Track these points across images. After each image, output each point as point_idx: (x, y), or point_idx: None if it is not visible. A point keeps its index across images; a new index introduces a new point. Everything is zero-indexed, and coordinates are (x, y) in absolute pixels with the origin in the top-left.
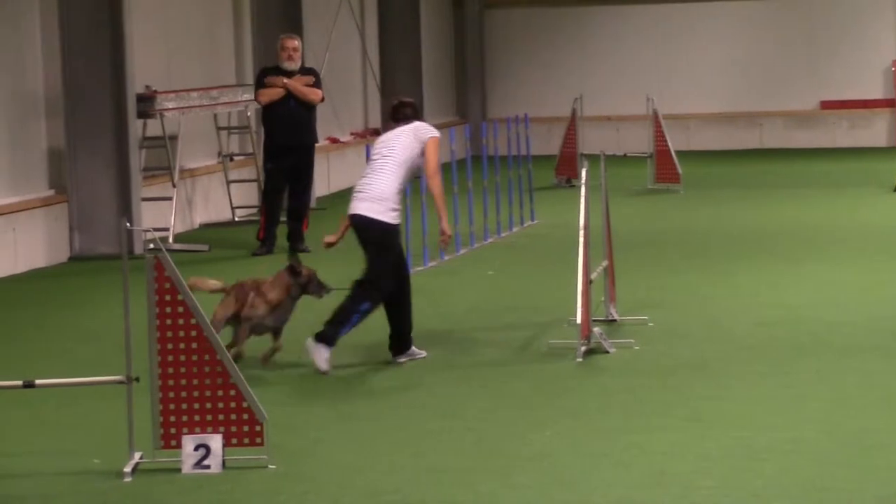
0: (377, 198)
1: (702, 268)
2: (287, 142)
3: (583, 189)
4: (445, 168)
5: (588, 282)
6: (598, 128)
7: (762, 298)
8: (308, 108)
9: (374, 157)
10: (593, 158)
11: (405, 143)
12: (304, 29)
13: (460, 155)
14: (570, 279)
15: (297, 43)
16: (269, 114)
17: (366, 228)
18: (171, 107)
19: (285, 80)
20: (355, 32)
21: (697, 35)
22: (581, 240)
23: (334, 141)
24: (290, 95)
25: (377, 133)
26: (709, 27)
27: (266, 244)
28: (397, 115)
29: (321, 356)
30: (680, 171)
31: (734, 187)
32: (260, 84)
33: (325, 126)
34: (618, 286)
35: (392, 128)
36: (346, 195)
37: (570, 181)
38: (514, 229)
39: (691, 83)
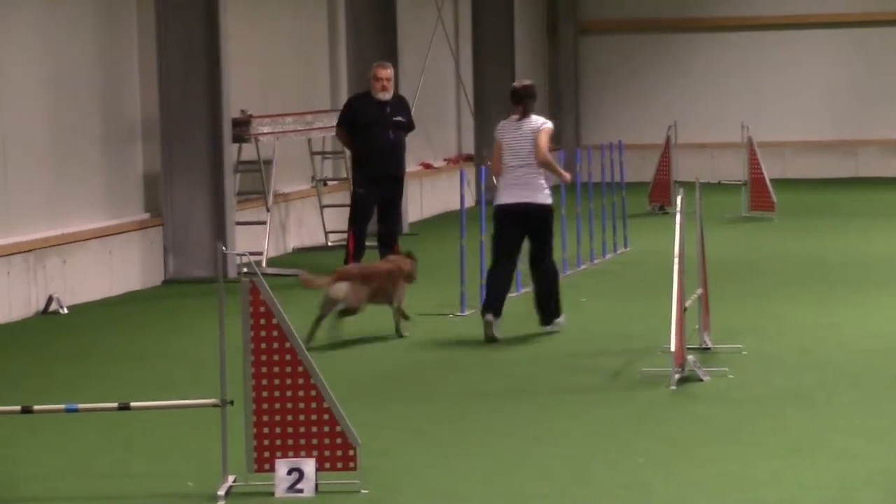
0: None
1: (797, 296)
2: (381, 172)
3: (678, 216)
4: None
5: (682, 309)
6: (692, 155)
7: (857, 327)
8: (403, 140)
9: None
10: (688, 186)
11: None
12: (398, 54)
13: (554, 181)
14: (664, 307)
15: (390, 72)
16: (367, 142)
17: None
18: (266, 131)
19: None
20: (449, 57)
21: (793, 62)
22: (676, 267)
23: (427, 167)
24: (388, 125)
25: (470, 158)
26: (804, 54)
27: None
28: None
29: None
30: (774, 199)
31: (829, 216)
32: (348, 114)
33: (417, 151)
34: (712, 314)
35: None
36: (439, 220)
37: (664, 208)
38: (608, 256)
39: (787, 111)
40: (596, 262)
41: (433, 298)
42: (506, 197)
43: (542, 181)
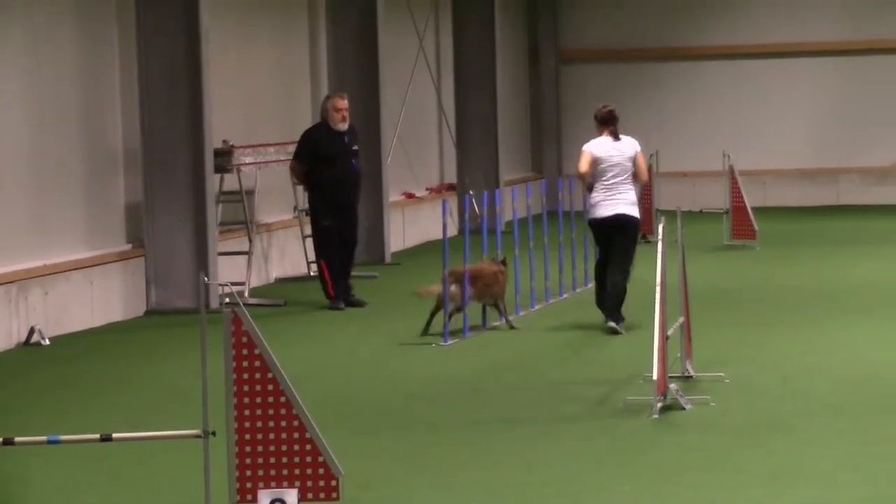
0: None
1: (778, 324)
2: (344, 202)
3: (659, 245)
4: (521, 223)
5: (665, 338)
6: (673, 183)
7: (840, 355)
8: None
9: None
10: (669, 214)
11: None
12: (380, 84)
13: (536, 210)
14: (646, 335)
15: (347, 102)
16: (332, 173)
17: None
18: (248, 161)
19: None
20: (431, 86)
21: (774, 91)
22: (658, 296)
23: (410, 196)
24: (350, 155)
25: (452, 188)
26: (785, 83)
27: (340, 299)
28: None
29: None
30: (756, 227)
31: (811, 244)
32: (309, 147)
33: (400, 181)
34: (694, 342)
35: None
36: (420, 250)
37: (646, 237)
38: (590, 285)
39: (768, 139)
40: (578, 290)
41: (416, 328)
42: (605, 210)
43: (636, 197)
